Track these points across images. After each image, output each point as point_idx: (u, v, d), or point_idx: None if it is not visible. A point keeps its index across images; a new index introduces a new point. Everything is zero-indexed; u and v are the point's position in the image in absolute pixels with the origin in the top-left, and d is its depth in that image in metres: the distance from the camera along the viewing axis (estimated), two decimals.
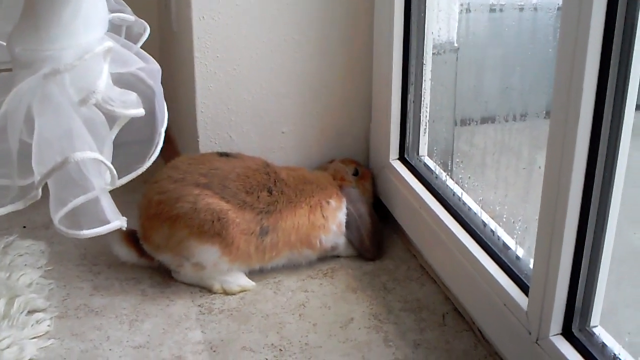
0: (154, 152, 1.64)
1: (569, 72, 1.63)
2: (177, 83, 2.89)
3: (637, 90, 1.61)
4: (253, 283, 2.44)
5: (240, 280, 2.43)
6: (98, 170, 1.57)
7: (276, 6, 2.59)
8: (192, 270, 2.39)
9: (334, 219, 2.53)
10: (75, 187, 1.55)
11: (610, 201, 1.71)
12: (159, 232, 2.37)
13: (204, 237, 2.33)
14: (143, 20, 1.86)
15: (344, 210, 2.56)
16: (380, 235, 2.62)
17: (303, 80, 2.70)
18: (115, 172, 1.57)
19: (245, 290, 2.42)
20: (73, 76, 1.49)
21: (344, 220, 2.56)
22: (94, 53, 1.48)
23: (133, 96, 1.56)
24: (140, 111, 1.57)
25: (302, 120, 2.76)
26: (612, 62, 1.59)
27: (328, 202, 2.53)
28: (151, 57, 1.65)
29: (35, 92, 1.48)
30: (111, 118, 1.59)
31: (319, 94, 2.74)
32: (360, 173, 2.73)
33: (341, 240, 2.57)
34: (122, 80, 1.59)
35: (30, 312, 2.26)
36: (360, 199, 2.61)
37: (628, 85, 1.60)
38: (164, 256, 2.41)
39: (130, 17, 1.80)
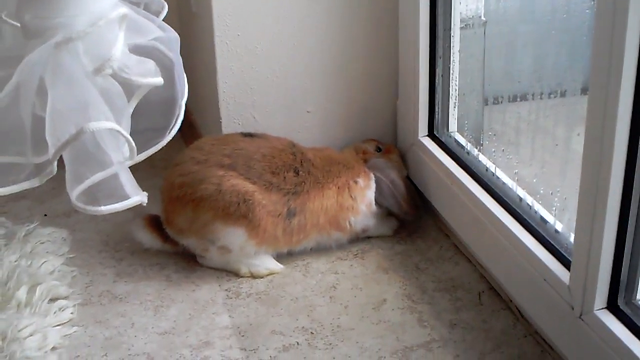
0: (174, 125, 1.57)
1: (608, 44, 1.55)
2: (198, 64, 2.82)
3: None
4: (281, 266, 2.38)
5: (268, 263, 2.36)
6: (116, 144, 1.51)
7: None
8: (218, 254, 2.32)
9: (362, 199, 2.45)
10: (93, 161, 1.48)
11: None
12: (183, 215, 2.30)
13: (230, 220, 2.26)
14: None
15: (373, 188, 2.49)
16: (415, 196, 2.56)
17: (327, 57, 2.63)
18: (133, 144, 1.50)
19: (273, 274, 2.35)
20: (87, 44, 1.42)
21: (374, 200, 2.48)
22: (108, 19, 1.40)
23: (151, 64, 1.49)
24: (158, 80, 1.49)
25: (327, 98, 2.68)
26: None
27: (356, 182, 2.45)
28: (168, 26, 1.58)
29: (47, 62, 1.41)
30: (129, 89, 1.51)
31: (343, 70, 2.66)
32: (383, 149, 2.66)
33: (371, 222, 2.49)
34: (138, 51, 1.52)
35: (53, 300, 2.21)
36: (389, 166, 2.56)
37: None
38: (189, 240, 2.34)
39: None
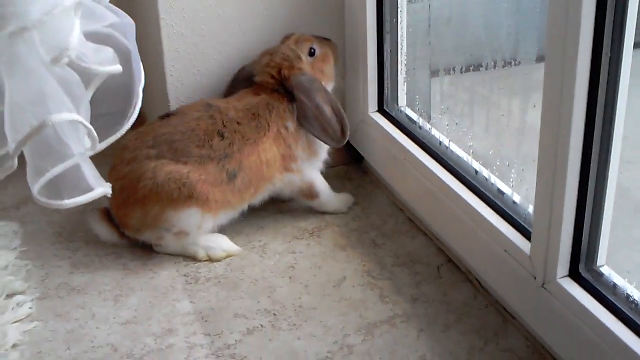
0: (132, 112, 1.55)
1: (564, 9, 1.56)
2: (142, 48, 2.76)
3: (635, 27, 1.54)
4: (238, 247, 2.37)
5: (224, 244, 2.36)
6: (76, 135, 1.47)
7: None
8: (175, 239, 2.31)
9: (297, 142, 2.45)
10: (53, 154, 1.45)
11: (613, 135, 1.64)
12: (133, 216, 2.29)
13: (178, 204, 2.25)
14: None
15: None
16: (343, 120, 2.42)
17: (273, 37, 2.59)
18: (95, 134, 1.47)
19: (230, 256, 2.34)
20: (42, 33, 1.38)
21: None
22: (63, 7, 1.37)
23: (109, 52, 1.46)
24: (117, 67, 1.46)
25: None
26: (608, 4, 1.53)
27: (286, 128, 2.42)
28: (122, 12, 1.55)
29: (1, 54, 1.37)
30: (86, 77, 1.48)
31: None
32: (317, 54, 2.49)
33: (315, 175, 2.52)
34: (94, 38, 1.49)
35: (10, 296, 2.16)
36: (313, 87, 2.41)
37: (626, 21, 1.54)
38: (146, 235, 2.34)
39: None
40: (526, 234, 1.90)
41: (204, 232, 2.33)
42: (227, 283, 2.22)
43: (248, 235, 2.42)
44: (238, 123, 2.33)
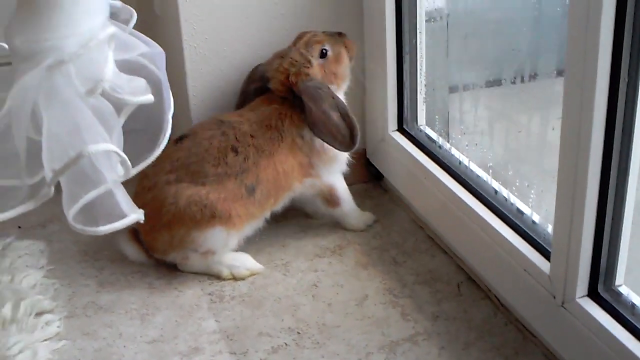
0: (163, 139, 1.60)
1: (583, 27, 1.58)
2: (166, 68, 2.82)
3: None
4: (261, 266, 2.40)
5: (248, 263, 2.39)
6: (109, 163, 1.53)
7: None
8: (202, 258, 2.35)
9: (312, 150, 2.45)
10: (88, 181, 1.50)
11: (631, 156, 1.67)
12: (160, 240, 2.33)
13: (202, 225, 2.28)
14: (129, 6, 1.80)
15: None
16: (351, 124, 2.37)
17: None
18: (128, 162, 1.52)
19: (254, 274, 2.37)
20: (78, 66, 1.43)
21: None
22: (98, 40, 1.42)
23: (141, 82, 1.51)
24: (149, 97, 1.52)
25: None
26: (627, 14, 1.55)
27: (302, 137, 2.42)
28: (153, 41, 1.60)
29: (40, 86, 1.42)
30: (119, 106, 1.53)
31: None
32: (329, 56, 2.45)
33: (336, 179, 2.53)
34: (126, 67, 1.53)
35: (38, 314, 2.20)
36: (319, 94, 2.36)
37: None
38: (172, 256, 2.38)
39: (117, 2, 1.74)
40: (546, 254, 1.93)
41: (230, 249, 2.37)
42: (251, 301, 2.25)
43: (270, 253, 2.46)
44: (252, 136, 2.35)
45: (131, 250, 2.41)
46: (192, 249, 2.32)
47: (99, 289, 2.34)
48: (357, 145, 2.39)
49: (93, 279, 2.40)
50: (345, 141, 2.37)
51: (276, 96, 2.43)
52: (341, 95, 2.47)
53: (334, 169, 2.51)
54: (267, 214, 2.43)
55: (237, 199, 2.31)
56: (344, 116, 2.36)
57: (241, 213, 2.32)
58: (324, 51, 2.43)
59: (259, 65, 2.52)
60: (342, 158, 2.51)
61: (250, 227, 2.40)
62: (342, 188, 2.54)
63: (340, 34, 2.50)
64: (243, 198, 2.32)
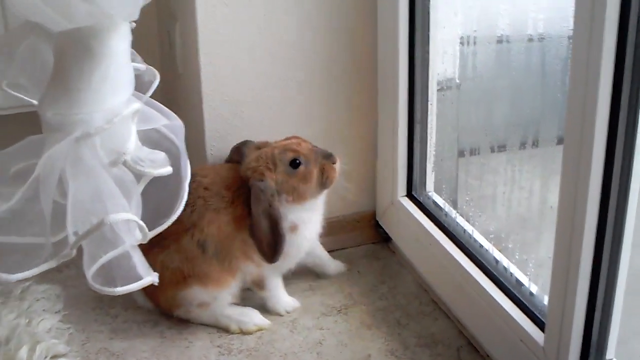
0: (179, 205, 1.69)
1: (581, 103, 1.67)
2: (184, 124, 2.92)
3: None
4: (268, 322, 2.47)
5: (255, 319, 2.46)
6: (128, 228, 1.62)
7: (280, 49, 2.63)
8: (202, 311, 2.42)
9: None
10: (107, 243, 1.60)
11: (624, 231, 1.75)
12: (161, 301, 2.44)
13: (181, 287, 2.36)
14: (153, 68, 1.90)
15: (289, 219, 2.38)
16: (276, 239, 2.29)
17: (308, 122, 2.74)
18: (146, 228, 1.62)
19: (261, 330, 2.44)
20: (103, 138, 1.54)
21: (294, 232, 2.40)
22: (122, 116, 1.53)
23: (161, 155, 1.62)
24: (168, 169, 1.62)
25: None
26: (623, 91, 1.63)
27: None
28: (173, 114, 1.70)
29: (67, 155, 1.53)
30: (138, 175, 1.63)
31: (324, 133, 2.76)
32: (299, 169, 2.34)
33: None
34: (146, 137, 1.64)
35: (53, 358, 2.26)
36: (261, 197, 2.29)
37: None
38: (176, 313, 2.46)
39: (141, 66, 1.85)
40: (541, 326, 2.01)
41: (225, 300, 2.43)
42: (258, 356, 2.33)
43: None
44: (206, 189, 2.32)
45: (141, 299, 2.51)
46: (187, 304, 2.40)
47: (112, 336, 2.43)
48: (274, 261, 2.33)
49: (107, 325, 2.48)
50: (266, 253, 2.32)
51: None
52: (297, 211, 2.38)
53: (279, 268, 2.46)
54: (235, 282, 2.42)
55: (194, 258, 2.33)
56: (272, 228, 2.29)
57: (207, 271, 2.34)
58: (297, 162, 2.33)
59: (247, 141, 2.51)
60: (293, 261, 2.49)
61: (229, 290, 2.42)
62: (274, 280, 2.50)
63: (328, 156, 2.39)
64: (199, 256, 2.33)
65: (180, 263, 2.32)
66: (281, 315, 2.51)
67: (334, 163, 2.39)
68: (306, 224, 2.42)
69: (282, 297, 2.54)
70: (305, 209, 2.40)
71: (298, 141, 2.39)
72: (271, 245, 2.30)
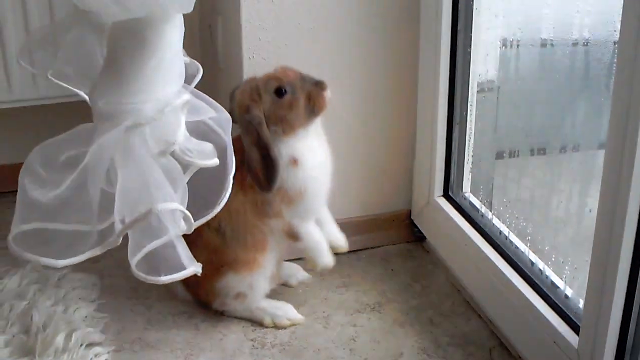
0: (224, 197, 1.71)
1: (625, 108, 1.67)
2: None
3: None
4: (302, 317, 2.49)
5: (289, 313, 2.48)
6: (173, 217, 1.64)
7: (321, 47, 2.64)
8: (238, 302, 2.44)
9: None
10: (152, 232, 1.62)
11: None
12: (201, 293, 2.47)
13: (215, 277, 2.38)
14: (196, 61, 1.92)
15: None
16: (270, 165, 2.19)
17: (347, 120, 2.75)
18: (191, 218, 1.64)
19: (295, 324, 2.46)
20: (153, 128, 1.56)
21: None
22: (173, 106, 1.55)
23: (209, 147, 1.64)
24: (215, 161, 1.64)
25: (346, 159, 2.75)
26: None
27: None
28: (220, 106, 1.72)
29: (117, 144, 1.55)
30: (185, 165, 1.65)
31: (362, 131, 2.79)
32: (285, 97, 2.25)
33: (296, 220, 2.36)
34: (193, 128, 1.66)
35: (88, 346, 2.30)
36: (248, 128, 2.22)
37: None
38: (214, 304, 2.48)
39: (185, 58, 1.87)
40: (575, 328, 2.01)
41: (262, 289, 2.44)
42: (291, 350, 2.35)
43: (313, 306, 2.56)
44: None
45: (181, 291, 2.53)
46: (224, 296, 2.42)
47: (147, 326, 2.46)
48: (272, 189, 2.23)
49: (141, 315, 2.51)
50: (259, 182, 2.22)
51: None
52: (292, 143, 2.29)
53: (299, 212, 2.35)
54: (267, 260, 2.40)
55: (217, 247, 2.35)
56: (264, 155, 2.19)
57: (234, 256, 2.36)
58: (282, 90, 2.23)
59: (236, 88, 2.36)
60: (311, 201, 2.34)
61: (269, 264, 2.41)
62: (306, 227, 2.38)
63: (317, 84, 2.28)
64: (222, 244, 2.34)
65: (209, 256, 2.32)
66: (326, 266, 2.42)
67: (322, 90, 2.27)
68: (306, 155, 2.29)
69: (321, 246, 2.41)
70: (299, 140, 2.28)
71: (284, 69, 2.28)
72: (266, 172, 2.20)
